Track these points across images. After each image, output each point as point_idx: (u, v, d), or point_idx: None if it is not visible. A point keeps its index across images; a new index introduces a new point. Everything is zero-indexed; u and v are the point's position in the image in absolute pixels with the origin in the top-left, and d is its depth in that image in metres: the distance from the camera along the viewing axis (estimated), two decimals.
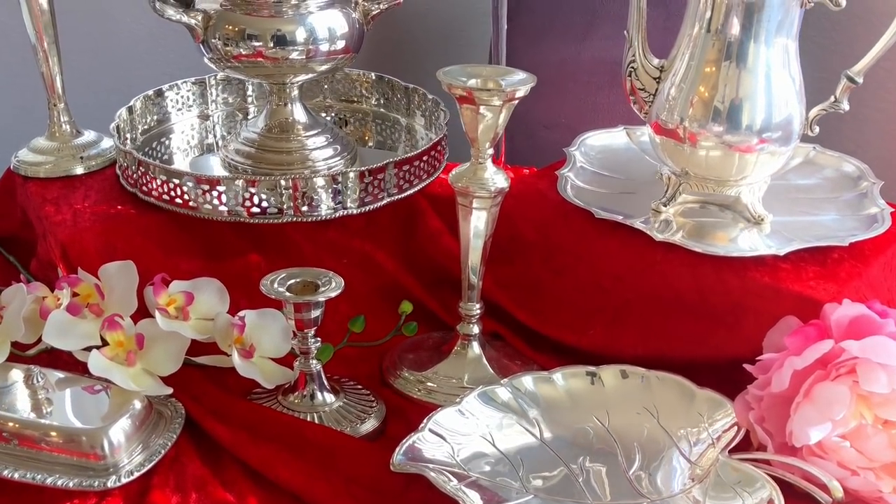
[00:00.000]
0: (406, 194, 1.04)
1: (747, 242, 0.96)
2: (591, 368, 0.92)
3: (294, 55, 1.03)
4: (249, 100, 1.24)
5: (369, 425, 0.90)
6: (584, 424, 0.88)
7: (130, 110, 1.13)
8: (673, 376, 0.90)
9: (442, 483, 0.78)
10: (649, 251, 0.95)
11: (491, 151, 0.91)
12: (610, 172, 1.08)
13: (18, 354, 0.93)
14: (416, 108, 1.20)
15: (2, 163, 1.15)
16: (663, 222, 0.98)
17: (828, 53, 1.35)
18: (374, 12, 1.08)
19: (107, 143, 1.14)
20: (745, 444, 0.84)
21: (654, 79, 0.99)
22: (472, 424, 0.86)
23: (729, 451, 0.83)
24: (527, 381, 0.91)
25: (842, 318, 0.84)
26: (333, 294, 0.88)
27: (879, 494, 0.79)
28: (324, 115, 1.23)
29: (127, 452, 0.82)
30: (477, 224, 0.93)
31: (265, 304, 0.92)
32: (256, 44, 1.02)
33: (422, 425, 0.85)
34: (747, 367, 0.86)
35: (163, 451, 0.84)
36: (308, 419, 0.89)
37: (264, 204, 0.99)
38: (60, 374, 0.89)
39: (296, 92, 1.10)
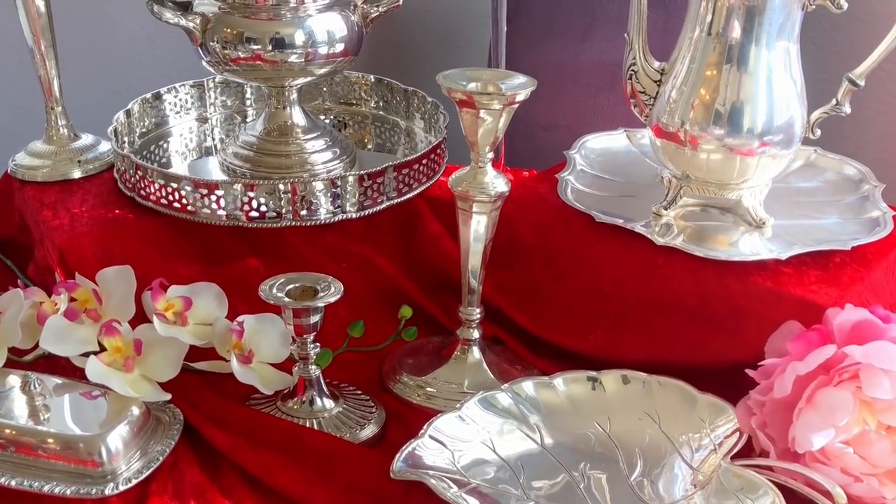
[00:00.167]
0: (405, 198, 1.04)
1: (749, 246, 0.96)
2: (592, 373, 0.91)
3: (293, 58, 1.02)
4: (248, 103, 1.24)
5: (369, 431, 0.90)
6: (586, 430, 0.88)
7: (128, 114, 1.13)
8: (674, 381, 0.90)
9: (442, 490, 0.78)
10: (650, 255, 0.95)
11: (491, 155, 0.90)
12: (610, 175, 1.08)
13: (15, 360, 0.93)
14: (415, 111, 1.20)
15: None
16: (664, 226, 0.98)
17: (828, 55, 1.35)
18: (373, 15, 1.08)
19: (104, 146, 1.13)
20: (747, 450, 0.84)
21: (655, 82, 0.98)
22: (472, 430, 0.86)
23: (731, 458, 0.82)
24: (527, 386, 0.90)
25: (844, 323, 0.83)
26: (332, 299, 0.87)
27: (883, 501, 0.78)
28: (323, 118, 1.23)
29: (125, 459, 0.82)
30: (477, 228, 0.93)
31: (264, 309, 0.92)
32: (255, 47, 1.02)
33: (422, 431, 0.84)
34: (749, 372, 0.86)
35: (161, 458, 0.84)
36: (307, 425, 0.89)
37: (263, 208, 0.99)
38: (58, 380, 0.88)
39: (294, 95, 1.10)
